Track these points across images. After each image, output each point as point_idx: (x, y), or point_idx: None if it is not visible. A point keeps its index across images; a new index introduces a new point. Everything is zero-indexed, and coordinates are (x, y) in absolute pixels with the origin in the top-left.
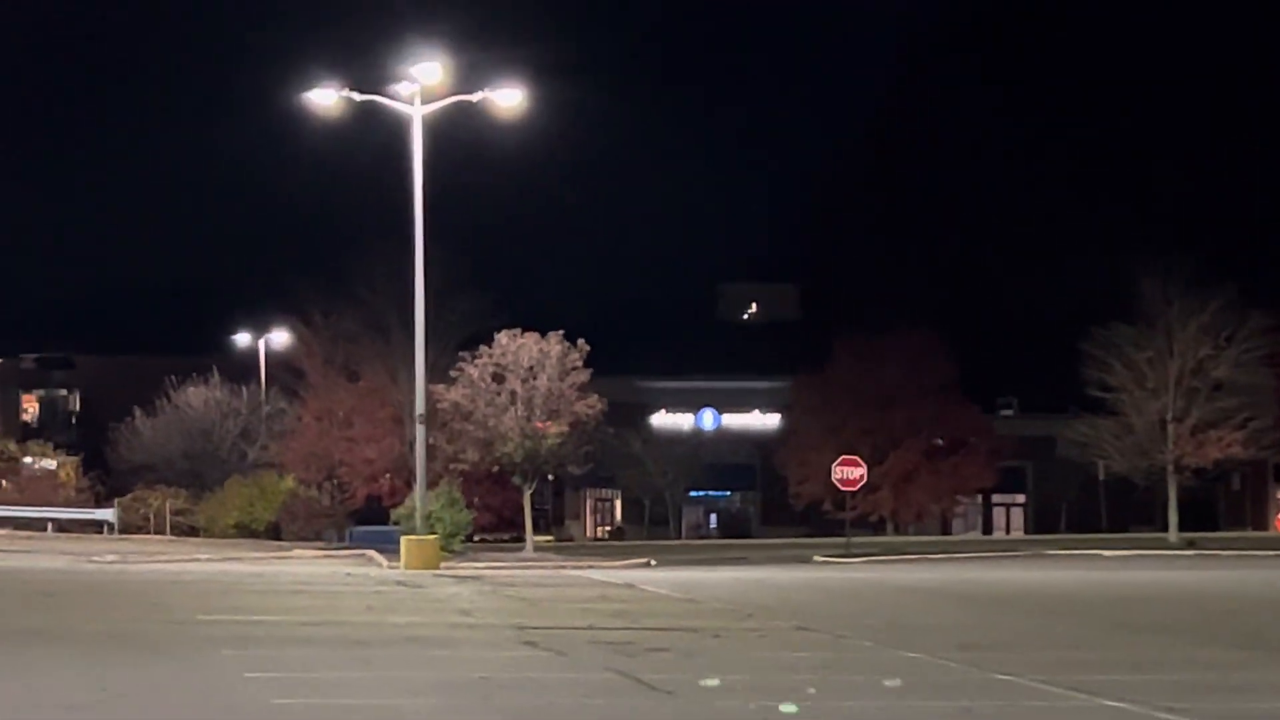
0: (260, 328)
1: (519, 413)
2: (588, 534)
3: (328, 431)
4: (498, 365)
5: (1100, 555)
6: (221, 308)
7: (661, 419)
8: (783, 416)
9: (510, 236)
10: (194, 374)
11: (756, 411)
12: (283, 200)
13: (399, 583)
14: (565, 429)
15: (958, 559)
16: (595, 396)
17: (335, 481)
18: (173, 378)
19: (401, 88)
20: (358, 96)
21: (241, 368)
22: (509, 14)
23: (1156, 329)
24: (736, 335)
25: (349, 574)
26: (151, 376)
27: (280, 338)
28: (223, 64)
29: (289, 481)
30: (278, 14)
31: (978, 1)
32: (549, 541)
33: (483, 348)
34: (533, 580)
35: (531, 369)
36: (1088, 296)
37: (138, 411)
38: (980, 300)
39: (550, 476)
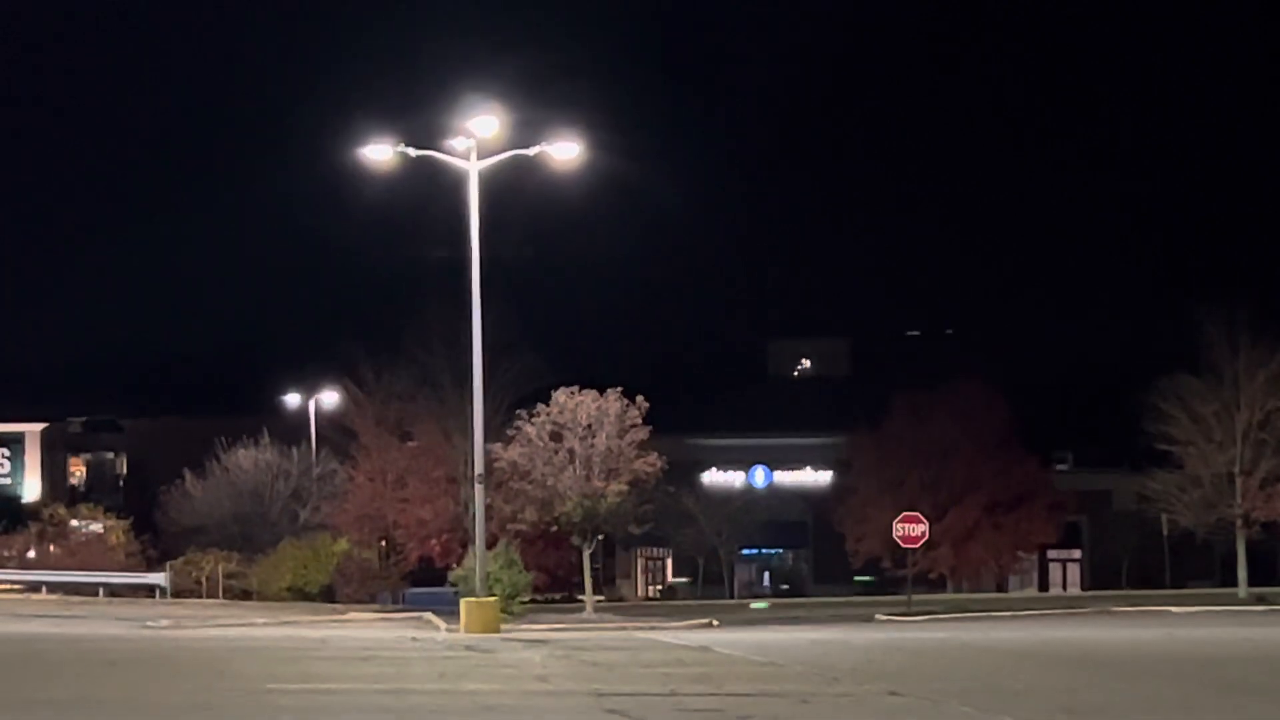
0: (310, 388)
1: (578, 471)
2: (638, 594)
3: (381, 492)
4: (555, 423)
5: (1169, 611)
6: (271, 368)
7: (713, 476)
8: (836, 473)
9: (561, 292)
10: (244, 435)
11: (809, 468)
12: (334, 257)
13: (467, 648)
14: (624, 488)
15: (1024, 617)
16: (655, 454)
17: (389, 542)
18: (222, 439)
19: (457, 142)
20: (413, 152)
21: (291, 428)
22: (568, 67)
23: (1223, 380)
24: (788, 391)
25: (414, 639)
26: (200, 438)
27: (330, 398)
28: (274, 120)
29: (343, 543)
30: (330, 69)
31: (1044, 58)
32: (602, 601)
33: (540, 406)
34: (603, 643)
35: (590, 427)
36: (1144, 347)
37: (187, 474)
38: (1033, 352)
39: (599, 536)
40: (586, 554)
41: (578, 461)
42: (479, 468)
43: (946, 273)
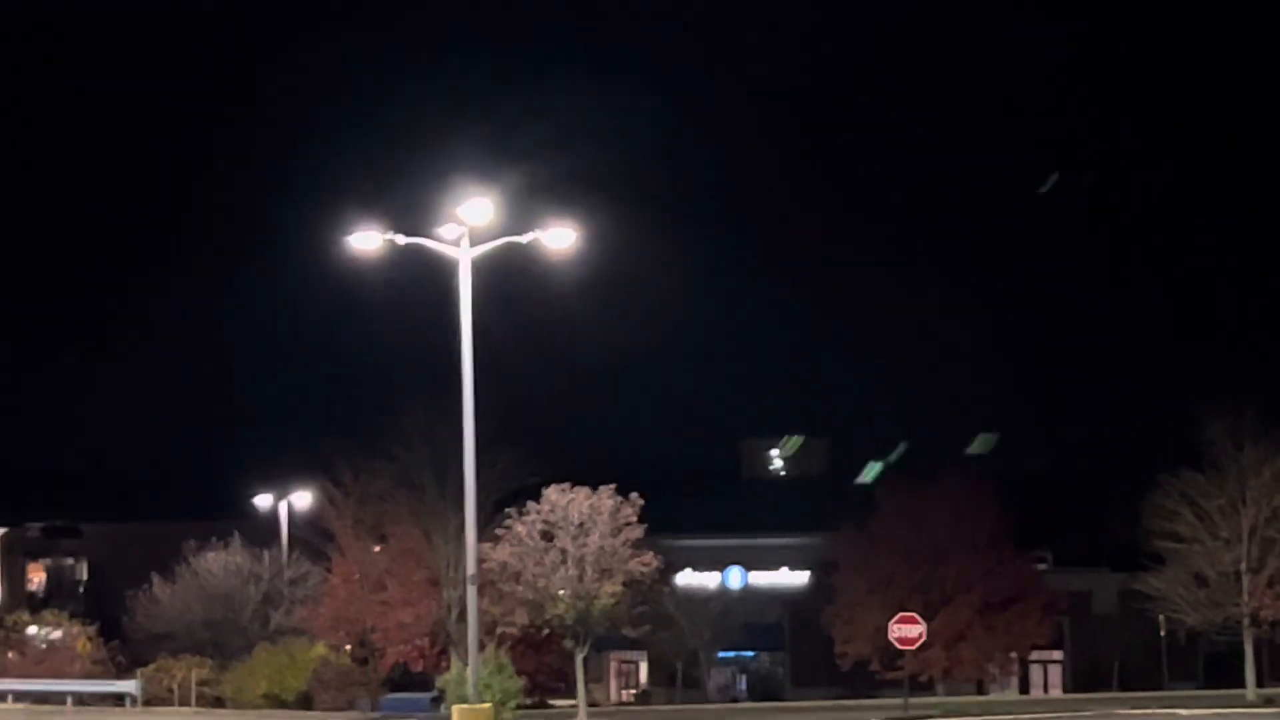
0: (282, 489)
1: (570, 572)
2: (610, 698)
3: (358, 595)
4: (547, 522)
5: (1178, 714)
6: (241, 469)
7: (687, 578)
8: (813, 573)
9: (528, 388)
10: (213, 538)
11: (785, 569)
12: (311, 352)
13: None
14: (620, 588)
15: None
16: (650, 554)
17: (367, 646)
18: (191, 542)
19: (447, 230)
20: (402, 240)
21: (263, 530)
22: (566, 158)
23: (1227, 477)
24: (762, 491)
25: None
26: (165, 542)
27: (303, 499)
28: (250, 208)
29: (320, 648)
30: (315, 155)
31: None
32: (572, 707)
33: (530, 504)
34: None
35: (582, 525)
36: (1127, 446)
37: (155, 578)
38: (1010, 453)
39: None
40: (579, 658)
41: (570, 561)
42: (471, 568)
43: (925, 370)
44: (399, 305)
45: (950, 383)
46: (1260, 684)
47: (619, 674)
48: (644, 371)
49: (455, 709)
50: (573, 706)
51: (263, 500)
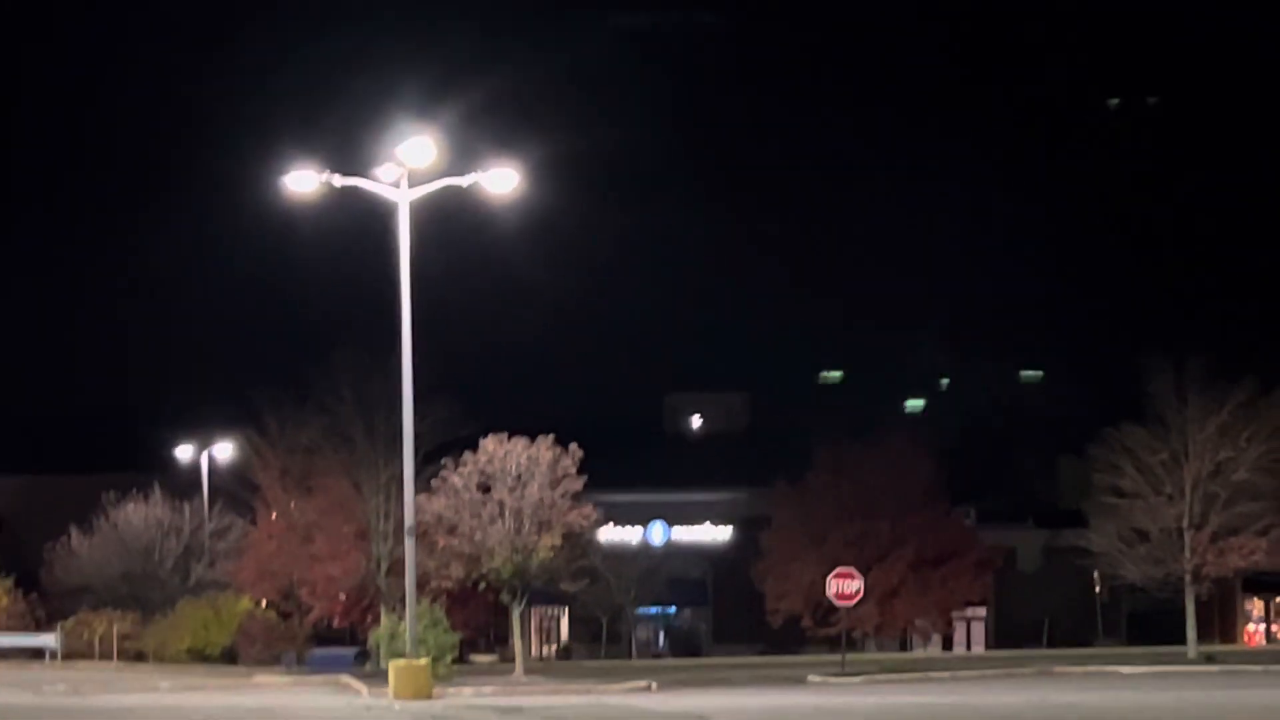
0: (205, 440)
1: (507, 525)
2: (532, 653)
3: (284, 548)
4: (483, 473)
5: (1119, 672)
6: (162, 419)
7: (610, 533)
8: (736, 529)
9: (469, 339)
10: (132, 490)
11: (708, 524)
12: (234, 299)
13: (434, 717)
14: (558, 541)
15: (969, 679)
16: (591, 506)
17: (293, 600)
18: (109, 494)
19: (385, 171)
20: (339, 181)
21: (184, 483)
22: (507, 95)
23: (1170, 430)
24: (685, 446)
25: (369, 707)
26: (82, 494)
27: (226, 450)
28: (178, 144)
29: (245, 602)
30: (246, 91)
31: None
32: (495, 662)
33: (467, 454)
34: (583, 715)
35: (520, 477)
36: (1049, 401)
37: (73, 531)
38: (937, 408)
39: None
40: (516, 613)
41: (508, 514)
42: (409, 520)
43: (856, 321)
44: (334, 250)
45: (881, 338)
46: (1184, 642)
47: (540, 629)
48: (573, 323)
49: (392, 665)
50: (494, 662)
51: (184, 451)
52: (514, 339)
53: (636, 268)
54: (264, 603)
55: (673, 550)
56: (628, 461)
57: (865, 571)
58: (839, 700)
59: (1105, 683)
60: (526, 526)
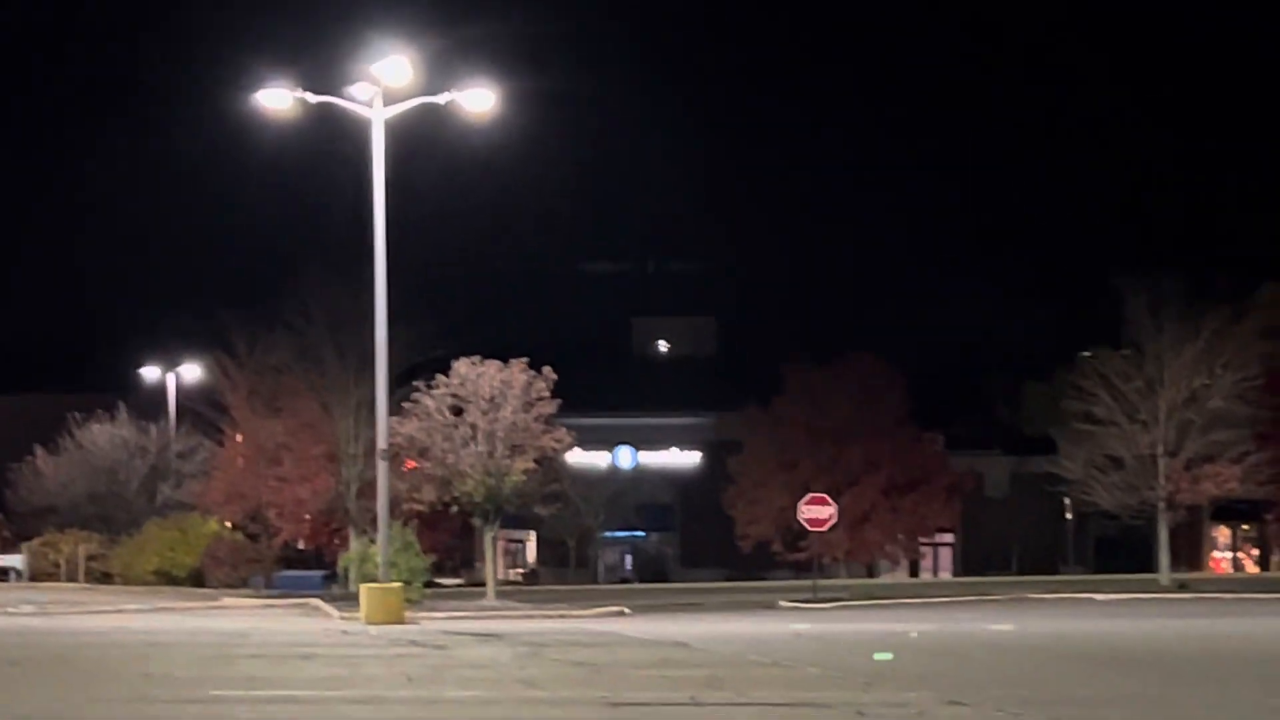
0: (172, 360)
1: (480, 448)
2: (498, 577)
3: (253, 470)
4: (456, 396)
5: (1093, 599)
6: (129, 339)
7: (577, 457)
8: (704, 453)
9: (435, 260)
10: (98, 410)
11: (675, 449)
12: (204, 217)
13: (412, 642)
14: (532, 465)
15: (942, 604)
16: (564, 430)
17: (261, 523)
18: (75, 415)
19: (360, 90)
20: (313, 98)
21: (150, 403)
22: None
23: (1146, 357)
24: (653, 370)
25: (345, 631)
26: (47, 415)
27: (193, 371)
28: (146, 57)
29: (213, 524)
30: (218, 5)
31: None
32: (461, 585)
33: (439, 377)
34: (559, 638)
35: (493, 400)
36: (1023, 327)
37: (39, 451)
38: (908, 330)
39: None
40: (489, 537)
41: (480, 437)
42: (382, 442)
43: (821, 250)
44: (305, 170)
45: (848, 261)
46: (1153, 569)
47: (506, 552)
48: (543, 246)
49: (363, 588)
50: (460, 585)
51: (150, 372)
52: (484, 261)
53: (606, 192)
54: (229, 524)
55: (640, 475)
56: (595, 385)
57: (836, 497)
58: (821, 627)
59: (1081, 610)
60: (499, 450)
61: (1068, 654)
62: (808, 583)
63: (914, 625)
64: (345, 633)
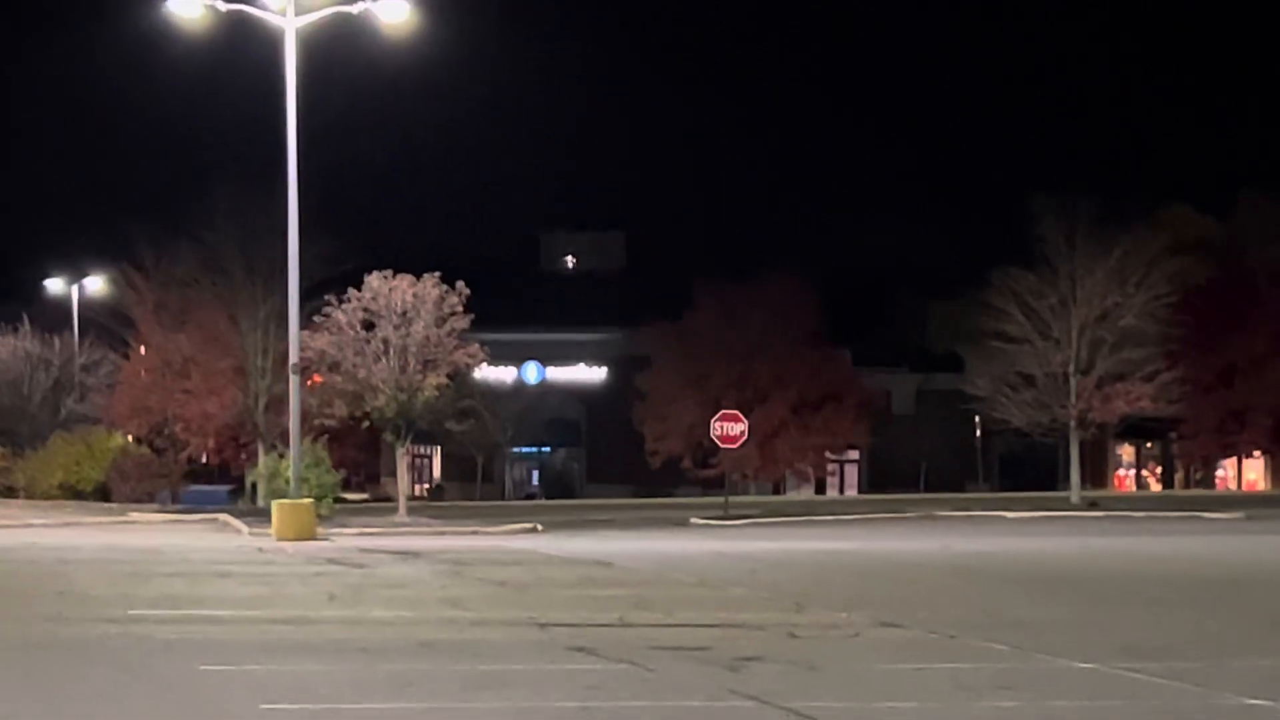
0: (75, 272)
1: (392, 363)
2: (404, 492)
3: (159, 384)
4: (367, 310)
5: (1003, 517)
6: (32, 249)
7: (484, 372)
8: (611, 370)
9: (344, 172)
10: (1, 323)
11: (582, 364)
12: (110, 127)
13: (329, 560)
14: (444, 380)
15: (852, 522)
16: (477, 345)
17: (168, 437)
18: None
19: None
20: (223, 5)
21: (54, 316)
22: None
23: (1059, 275)
24: (561, 286)
25: (261, 549)
26: None
27: (97, 283)
28: None
29: (119, 438)
30: None
31: None
32: (367, 500)
33: (351, 291)
34: (479, 556)
35: (405, 314)
36: (925, 247)
37: None
38: (815, 247)
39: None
40: (400, 453)
41: (392, 352)
42: (294, 356)
43: (734, 164)
44: (215, 80)
45: (756, 179)
46: (1056, 487)
47: (412, 467)
48: (452, 160)
49: (275, 504)
50: (366, 500)
51: (55, 284)
52: (392, 175)
53: (516, 106)
54: (130, 437)
55: (547, 390)
56: (503, 300)
57: (746, 414)
58: (741, 546)
59: (995, 528)
60: (412, 365)
61: (993, 575)
62: (718, 500)
63: (831, 544)
64: (261, 550)
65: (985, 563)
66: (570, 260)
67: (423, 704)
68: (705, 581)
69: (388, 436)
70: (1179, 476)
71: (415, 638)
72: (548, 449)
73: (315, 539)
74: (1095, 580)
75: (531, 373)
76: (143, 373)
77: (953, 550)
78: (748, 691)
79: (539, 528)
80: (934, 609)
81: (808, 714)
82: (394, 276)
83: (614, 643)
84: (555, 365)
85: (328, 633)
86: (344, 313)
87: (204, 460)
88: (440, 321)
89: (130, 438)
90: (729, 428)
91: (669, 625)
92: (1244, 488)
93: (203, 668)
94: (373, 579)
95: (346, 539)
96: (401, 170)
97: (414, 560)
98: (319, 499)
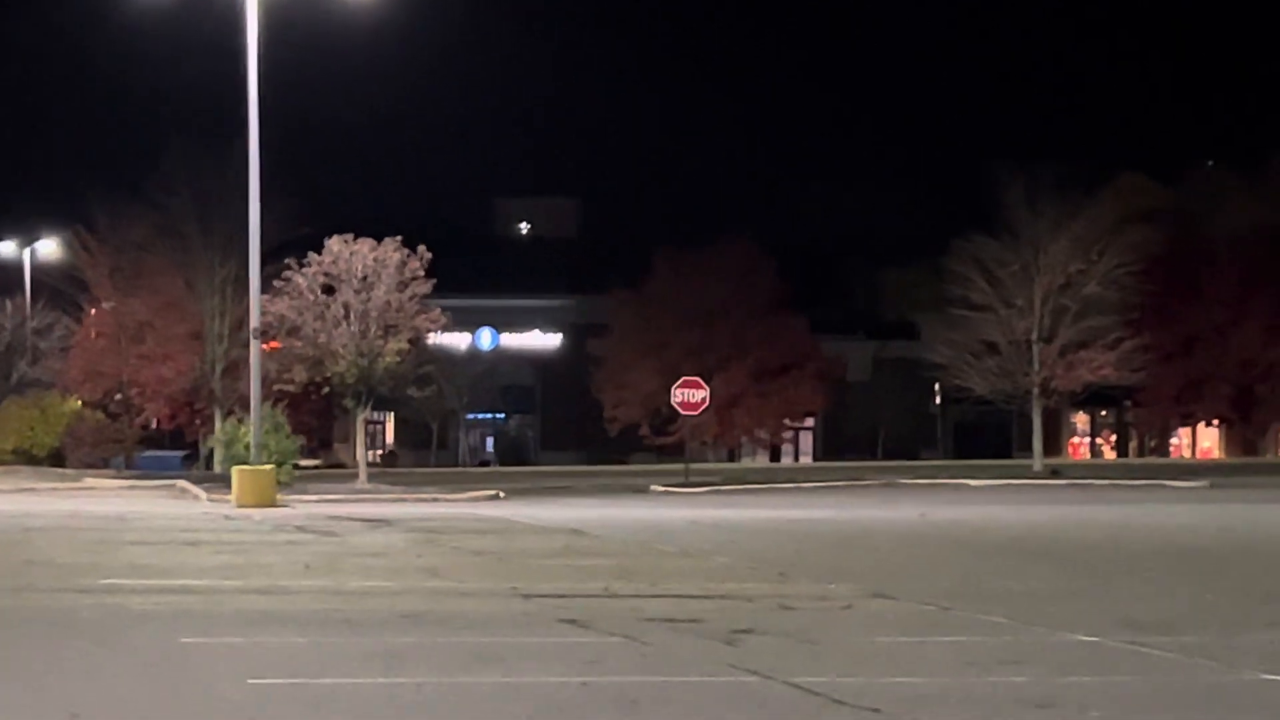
0: (27, 234)
1: (353, 328)
2: (355, 459)
3: (114, 348)
4: (328, 275)
5: (967, 485)
6: None
7: (438, 338)
8: (566, 336)
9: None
10: None
11: (536, 331)
12: (63, 89)
13: (298, 528)
14: (405, 345)
15: (815, 490)
16: (438, 310)
17: (123, 402)
18: None
19: None
20: None
21: (5, 279)
22: None
23: (1022, 242)
24: (515, 252)
25: (227, 516)
26: None
27: (50, 246)
28: None
29: (74, 403)
30: None
31: None
32: (319, 467)
33: (311, 255)
34: (451, 524)
35: (366, 279)
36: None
37: None
38: (766, 217)
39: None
40: (360, 419)
41: (353, 317)
42: (255, 320)
43: (687, 131)
44: (172, 39)
45: (713, 145)
46: (1009, 455)
47: (365, 433)
48: (405, 125)
49: (235, 471)
50: (318, 467)
51: (5, 246)
52: (344, 138)
53: (471, 72)
54: (81, 402)
55: (502, 356)
56: (457, 266)
57: (707, 380)
58: (714, 513)
59: (963, 497)
60: (373, 330)
61: (975, 544)
62: (674, 467)
63: (805, 512)
64: (228, 517)
65: (965, 531)
66: (524, 226)
67: (416, 679)
68: (686, 551)
69: (348, 403)
70: (1133, 445)
71: (398, 609)
72: (502, 416)
73: (276, 506)
74: (1078, 549)
75: (486, 339)
76: (95, 335)
77: (930, 519)
78: (749, 666)
79: (501, 495)
80: (922, 579)
81: (815, 690)
82: (355, 240)
83: (603, 614)
84: (509, 332)
85: (307, 603)
86: (304, 277)
87: (156, 425)
88: (402, 286)
89: (78, 402)
90: (691, 394)
91: (656, 596)
92: (1198, 455)
93: (184, 640)
94: (346, 548)
95: (308, 506)
96: (354, 135)
97: (385, 528)
98: (279, 465)
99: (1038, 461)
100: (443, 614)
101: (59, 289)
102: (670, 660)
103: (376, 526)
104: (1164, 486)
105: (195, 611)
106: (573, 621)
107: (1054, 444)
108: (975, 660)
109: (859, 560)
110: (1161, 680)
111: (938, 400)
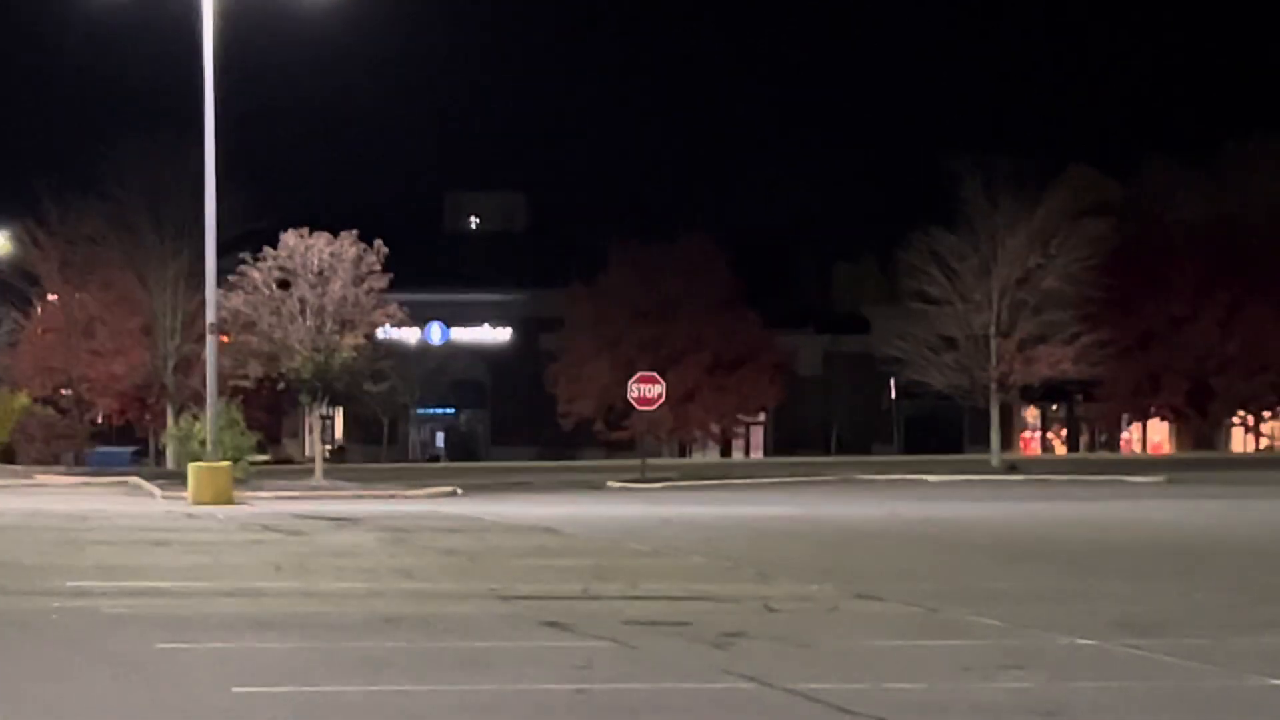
0: None
1: (309, 323)
2: (305, 454)
3: (65, 342)
4: (283, 269)
5: (925, 480)
6: None
7: (386, 333)
8: (516, 330)
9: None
10: None
11: (487, 325)
12: (12, 79)
13: (265, 528)
14: (362, 341)
15: (773, 485)
16: (395, 305)
17: (73, 398)
18: None
19: None
20: None
21: None
22: None
23: (980, 236)
24: (465, 246)
25: (190, 515)
26: None
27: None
28: None
29: (24, 399)
30: None
31: None
32: (269, 462)
33: (266, 249)
34: (420, 523)
35: (322, 274)
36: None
37: None
38: (718, 211)
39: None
40: (316, 415)
41: (309, 312)
42: (211, 315)
43: (637, 125)
44: (124, 30)
45: (664, 139)
46: (960, 449)
47: (320, 429)
48: (354, 117)
49: (191, 467)
50: (267, 463)
51: None
52: (292, 131)
53: (420, 64)
54: (30, 397)
55: (452, 351)
56: (406, 260)
57: (662, 375)
58: (681, 510)
59: (926, 492)
60: (329, 325)
61: (952, 542)
62: (627, 462)
63: (774, 509)
64: (190, 516)
65: (938, 529)
66: (474, 221)
67: (403, 686)
68: (659, 550)
69: (303, 398)
70: (1084, 439)
71: (376, 612)
72: (452, 410)
73: (234, 503)
74: (1058, 548)
75: (436, 334)
76: (41, 331)
77: (901, 516)
78: (743, 671)
79: (459, 491)
80: (905, 580)
81: (816, 696)
82: (311, 234)
83: (585, 617)
84: (459, 326)
85: (282, 606)
86: (260, 271)
87: (101, 420)
88: (358, 281)
89: (32, 399)
90: (646, 389)
91: (637, 598)
92: (1149, 450)
93: (160, 646)
94: (315, 547)
95: (266, 503)
96: (302, 127)
97: (352, 527)
98: (234, 461)
99: (995, 457)
100: (422, 617)
101: (8, 283)
102: (662, 665)
103: (342, 525)
104: (1122, 482)
105: (169, 615)
106: (555, 624)
107: (1005, 438)
108: (973, 664)
109: (840, 559)
110: (1166, 685)
111: (893, 395)
